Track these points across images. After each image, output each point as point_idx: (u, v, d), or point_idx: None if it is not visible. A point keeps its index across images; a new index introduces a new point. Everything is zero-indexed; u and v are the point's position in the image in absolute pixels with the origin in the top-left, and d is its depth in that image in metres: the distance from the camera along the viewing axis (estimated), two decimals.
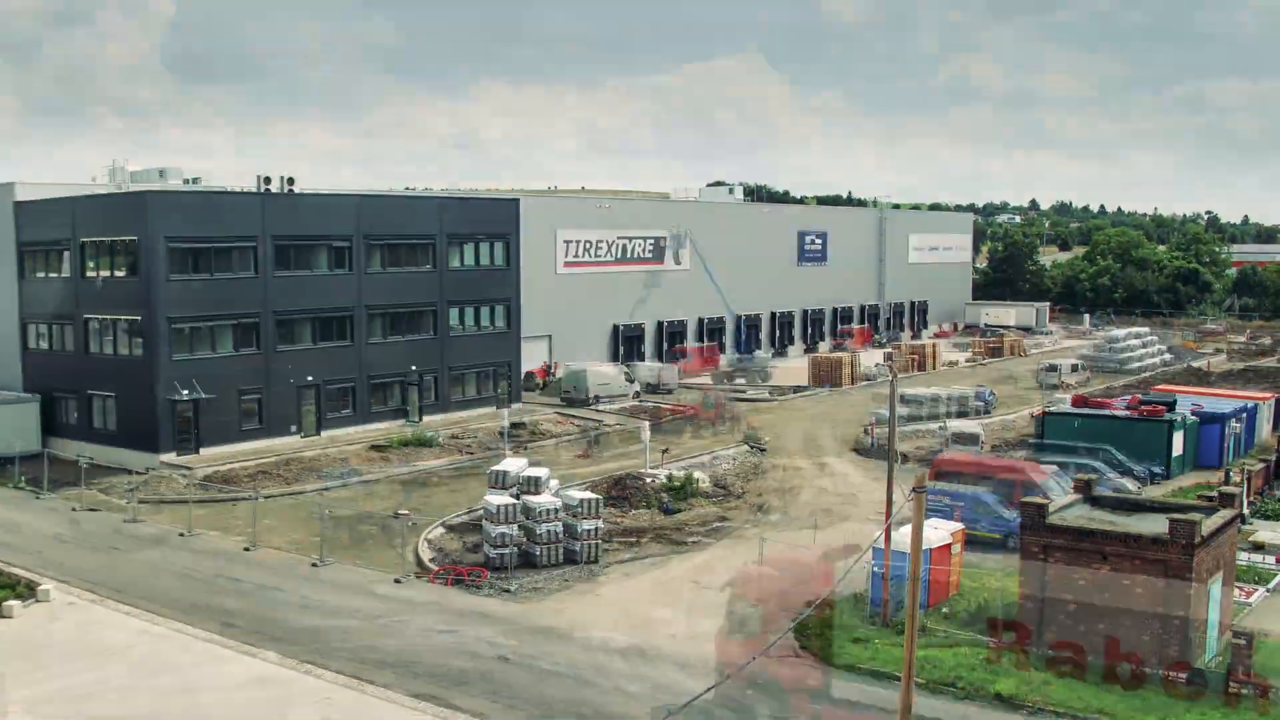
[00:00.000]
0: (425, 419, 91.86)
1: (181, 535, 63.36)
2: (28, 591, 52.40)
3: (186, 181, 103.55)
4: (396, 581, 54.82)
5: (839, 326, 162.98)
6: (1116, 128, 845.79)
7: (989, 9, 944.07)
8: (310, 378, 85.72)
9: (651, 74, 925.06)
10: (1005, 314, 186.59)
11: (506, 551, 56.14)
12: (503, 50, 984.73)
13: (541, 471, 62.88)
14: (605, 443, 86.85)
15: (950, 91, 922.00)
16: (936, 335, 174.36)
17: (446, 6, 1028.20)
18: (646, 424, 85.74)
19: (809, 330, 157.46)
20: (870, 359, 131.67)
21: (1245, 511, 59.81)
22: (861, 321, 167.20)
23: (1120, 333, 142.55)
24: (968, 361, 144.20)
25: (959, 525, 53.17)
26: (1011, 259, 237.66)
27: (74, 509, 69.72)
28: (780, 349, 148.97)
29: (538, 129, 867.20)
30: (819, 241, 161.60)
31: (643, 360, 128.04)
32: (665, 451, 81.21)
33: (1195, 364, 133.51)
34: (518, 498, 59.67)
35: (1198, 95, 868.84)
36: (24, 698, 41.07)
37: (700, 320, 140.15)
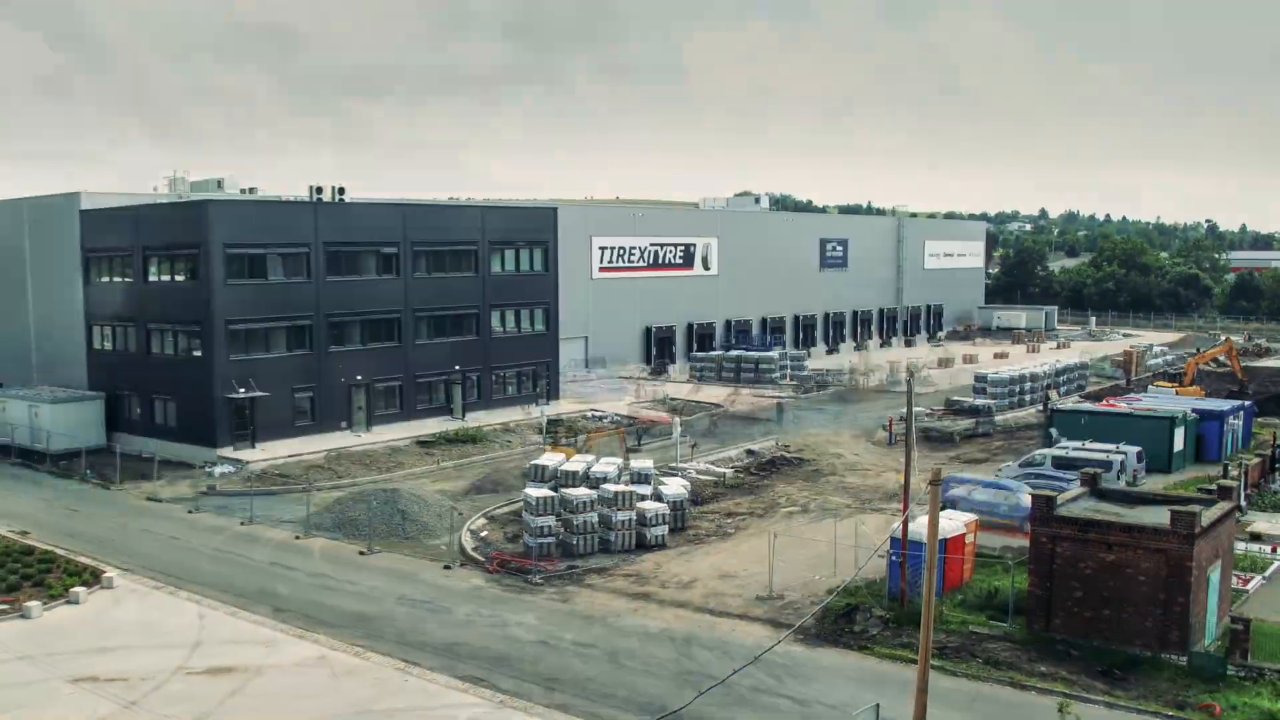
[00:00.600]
0: (468, 416, 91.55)
1: (243, 524, 63.38)
2: (93, 579, 52.36)
3: (242, 191, 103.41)
4: (446, 568, 54.55)
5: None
6: (1122, 139, 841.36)
7: (1004, 24, 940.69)
8: (360, 377, 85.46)
9: (682, 86, 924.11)
10: (1016, 317, 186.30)
11: (545, 541, 55.92)
12: (530, 60, 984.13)
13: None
14: (645, 437, 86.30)
15: (966, 105, 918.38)
16: (950, 336, 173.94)
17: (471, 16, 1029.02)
18: (678, 420, 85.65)
19: (830, 332, 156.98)
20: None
21: (1243, 503, 59.62)
22: (880, 324, 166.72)
23: None
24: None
25: (973, 516, 52.76)
26: (1022, 265, 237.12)
27: (137, 500, 69.70)
28: (804, 350, 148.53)
29: (572, 140, 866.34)
30: (840, 248, 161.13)
31: (673, 361, 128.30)
32: (694, 446, 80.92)
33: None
34: (556, 490, 59.39)
35: (1200, 106, 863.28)
36: (88, 678, 40.92)
37: (728, 322, 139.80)
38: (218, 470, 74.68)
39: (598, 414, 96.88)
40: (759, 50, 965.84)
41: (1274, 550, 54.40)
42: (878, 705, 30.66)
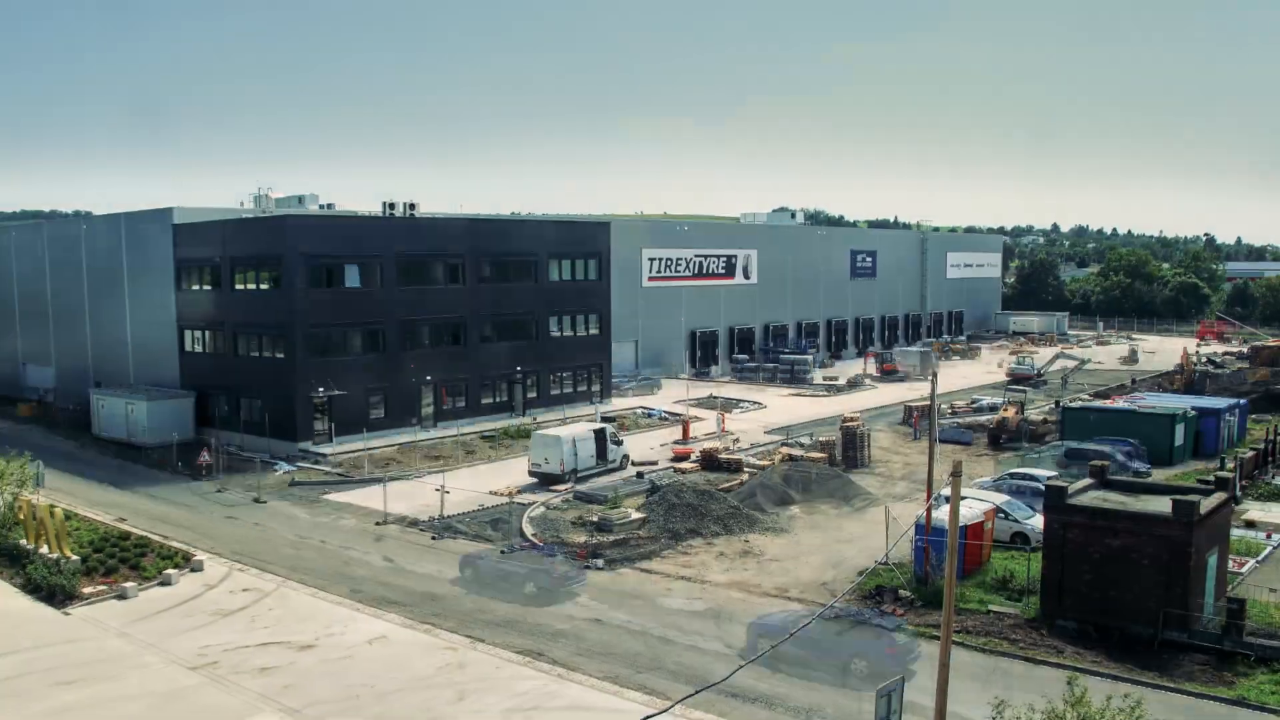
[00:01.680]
0: (528, 412, 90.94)
1: (322, 512, 62.93)
2: (184, 562, 52.03)
3: (321, 206, 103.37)
4: (503, 553, 53.81)
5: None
6: (1128, 159, 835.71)
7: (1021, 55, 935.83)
8: (429, 377, 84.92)
9: (722, 109, 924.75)
10: (1030, 322, 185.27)
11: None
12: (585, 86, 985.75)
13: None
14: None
15: (986, 128, 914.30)
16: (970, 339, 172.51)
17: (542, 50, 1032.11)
18: (720, 413, 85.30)
19: (860, 336, 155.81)
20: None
21: (1238, 493, 59.12)
22: (905, 329, 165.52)
23: None
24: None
25: (991, 504, 52.60)
26: (1036, 274, 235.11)
27: (223, 490, 69.38)
28: (835, 353, 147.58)
29: (624, 162, 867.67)
30: (869, 259, 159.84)
31: (716, 363, 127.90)
32: (736, 441, 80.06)
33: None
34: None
35: (1200, 130, 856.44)
36: (179, 652, 40.49)
37: (766, 326, 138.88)
38: (283, 468, 74.31)
39: (648, 411, 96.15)
40: (794, 75, 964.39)
41: (1267, 536, 54.28)
42: (903, 677, 30.13)
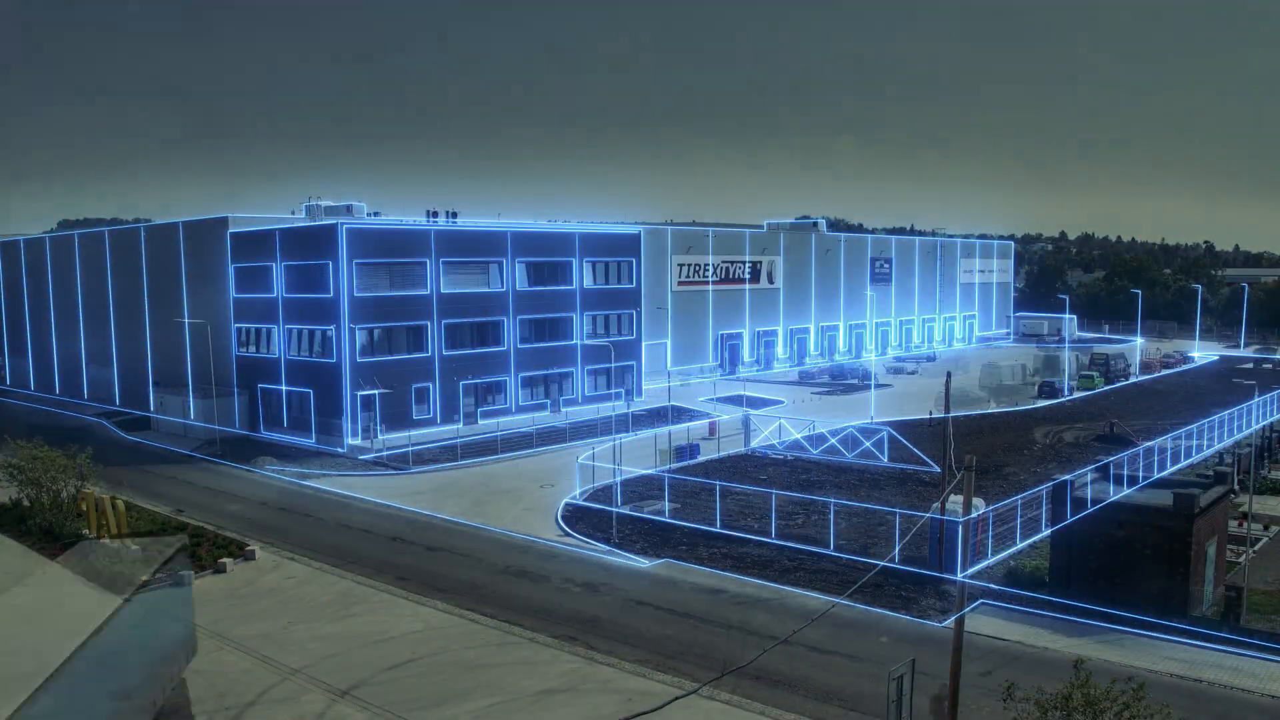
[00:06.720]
0: (564, 409, 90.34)
1: (370, 503, 62.47)
2: (238, 551, 51.62)
3: (369, 215, 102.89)
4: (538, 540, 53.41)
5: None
6: (1132, 171, 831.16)
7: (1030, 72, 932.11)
8: (470, 375, 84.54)
9: (749, 124, 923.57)
10: (1039, 324, 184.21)
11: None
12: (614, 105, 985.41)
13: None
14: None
15: (999, 143, 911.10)
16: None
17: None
18: (750, 412, 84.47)
19: (878, 338, 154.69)
20: None
21: (1235, 486, 58.24)
22: (921, 331, 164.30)
23: None
24: None
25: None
26: (1045, 279, 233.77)
27: (276, 482, 68.99)
28: (854, 354, 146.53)
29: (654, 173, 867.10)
30: (887, 265, 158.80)
31: (741, 363, 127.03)
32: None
33: None
34: None
35: (1200, 143, 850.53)
36: (234, 636, 40.06)
37: (789, 330, 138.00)
38: (340, 453, 74.03)
39: (678, 408, 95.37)
40: (815, 92, 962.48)
41: (1265, 528, 54.03)
42: (914, 660, 29.98)
